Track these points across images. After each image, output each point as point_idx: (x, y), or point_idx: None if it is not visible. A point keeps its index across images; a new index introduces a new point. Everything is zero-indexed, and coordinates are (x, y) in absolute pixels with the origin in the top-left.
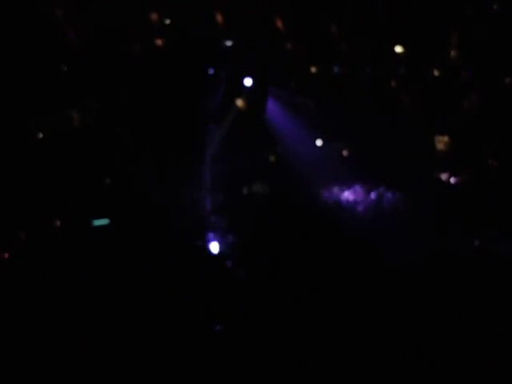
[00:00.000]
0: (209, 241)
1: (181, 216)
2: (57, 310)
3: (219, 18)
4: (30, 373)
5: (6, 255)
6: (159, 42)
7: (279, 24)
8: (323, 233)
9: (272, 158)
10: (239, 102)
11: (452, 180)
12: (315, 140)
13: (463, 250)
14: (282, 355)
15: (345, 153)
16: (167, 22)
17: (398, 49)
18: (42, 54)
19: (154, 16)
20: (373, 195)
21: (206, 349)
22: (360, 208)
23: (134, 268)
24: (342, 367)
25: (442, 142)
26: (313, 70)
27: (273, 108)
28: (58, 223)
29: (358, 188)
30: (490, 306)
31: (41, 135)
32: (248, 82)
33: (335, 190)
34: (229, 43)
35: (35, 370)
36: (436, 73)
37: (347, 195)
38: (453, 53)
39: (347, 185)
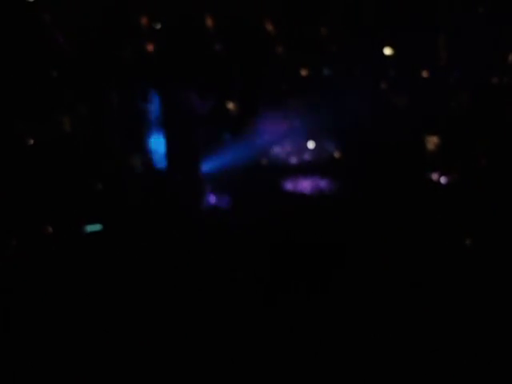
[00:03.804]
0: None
1: (177, 220)
2: (50, 317)
3: (209, 21)
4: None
5: None
6: (150, 46)
7: (270, 27)
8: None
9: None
10: (230, 105)
11: (442, 180)
12: (307, 142)
13: (454, 249)
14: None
15: (336, 154)
16: (158, 26)
17: (387, 51)
18: (30, 58)
19: (144, 20)
20: None
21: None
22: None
23: (127, 274)
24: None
25: (431, 142)
26: (303, 72)
27: None
28: (50, 229)
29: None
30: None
31: (31, 141)
32: None
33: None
34: (219, 47)
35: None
36: (425, 74)
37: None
38: (441, 54)
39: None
